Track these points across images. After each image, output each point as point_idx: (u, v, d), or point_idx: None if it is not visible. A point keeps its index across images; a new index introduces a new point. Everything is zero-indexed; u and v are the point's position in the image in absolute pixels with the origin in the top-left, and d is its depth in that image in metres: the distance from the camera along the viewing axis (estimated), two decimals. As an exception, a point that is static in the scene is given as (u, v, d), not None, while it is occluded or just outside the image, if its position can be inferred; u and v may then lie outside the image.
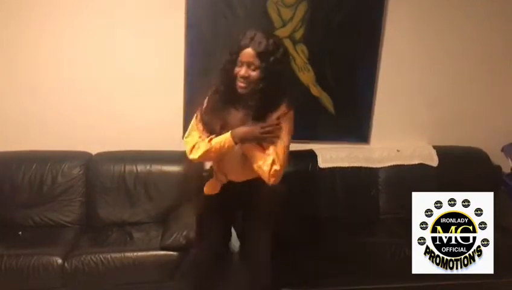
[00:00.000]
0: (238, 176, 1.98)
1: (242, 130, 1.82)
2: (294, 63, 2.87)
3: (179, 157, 2.79)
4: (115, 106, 2.82)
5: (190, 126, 1.95)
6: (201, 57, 2.78)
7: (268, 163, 1.82)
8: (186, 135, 1.96)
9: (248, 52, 1.76)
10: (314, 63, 2.89)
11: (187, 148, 1.91)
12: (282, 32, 2.81)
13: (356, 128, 3.06)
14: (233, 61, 1.80)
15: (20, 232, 2.55)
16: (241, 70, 1.78)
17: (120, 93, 2.82)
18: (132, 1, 2.72)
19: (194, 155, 1.88)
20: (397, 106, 3.05)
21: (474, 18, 2.98)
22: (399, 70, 2.99)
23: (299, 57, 2.87)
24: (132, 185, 2.72)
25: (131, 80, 2.81)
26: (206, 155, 1.86)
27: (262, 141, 1.84)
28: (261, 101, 1.82)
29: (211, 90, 1.94)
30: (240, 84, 1.80)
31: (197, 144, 1.87)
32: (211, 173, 2.08)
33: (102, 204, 2.69)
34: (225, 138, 1.83)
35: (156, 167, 2.74)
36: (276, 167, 1.82)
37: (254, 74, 1.77)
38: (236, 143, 1.83)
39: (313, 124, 3.00)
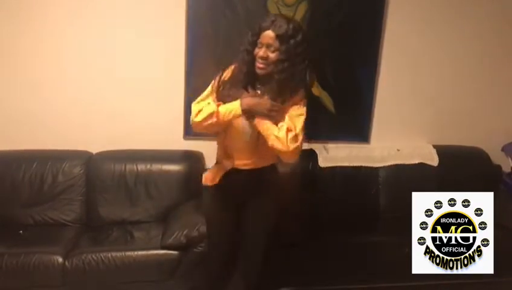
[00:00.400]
0: (246, 160, 1.93)
1: (251, 100, 1.81)
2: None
3: (180, 156, 2.81)
4: (115, 105, 2.82)
5: (203, 94, 1.93)
6: (202, 57, 2.78)
7: (283, 132, 1.80)
8: (196, 101, 1.92)
9: (268, 34, 1.78)
10: (314, 62, 2.89)
11: (193, 113, 1.88)
12: (282, 32, 2.81)
13: (356, 128, 3.07)
14: (254, 43, 1.82)
15: (21, 231, 2.55)
16: (260, 52, 1.79)
17: (120, 92, 2.82)
18: (133, 1, 2.71)
19: (198, 118, 1.85)
20: (397, 105, 3.05)
21: (474, 18, 2.98)
22: (399, 70, 2.99)
23: (300, 56, 2.87)
24: (133, 184, 2.72)
25: (132, 79, 2.81)
26: (209, 119, 1.82)
27: (268, 118, 1.82)
28: (279, 84, 1.82)
29: (231, 67, 1.93)
30: (259, 65, 1.81)
31: (203, 108, 1.85)
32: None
33: (103, 203, 2.70)
34: (233, 106, 1.82)
35: (156, 166, 2.74)
36: (292, 133, 1.81)
37: (273, 55, 1.78)
38: (243, 112, 1.80)
39: (313, 124, 2.98)
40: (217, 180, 1.98)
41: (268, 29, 1.78)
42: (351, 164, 2.91)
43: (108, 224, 2.66)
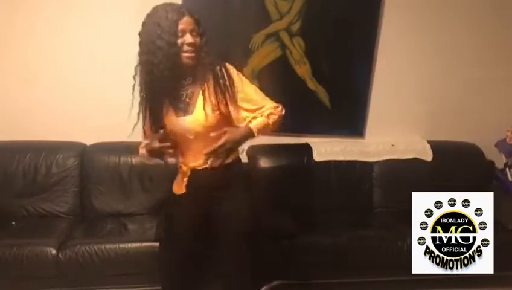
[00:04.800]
0: (199, 160, 1.78)
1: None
2: (290, 56, 2.87)
3: (174, 149, 2.80)
4: (110, 96, 2.79)
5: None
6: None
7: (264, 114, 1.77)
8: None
9: (187, 20, 1.67)
10: (310, 56, 2.89)
11: None
12: (279, 25, 2.80)
13: (351, 122, 3.07)
14: (174, 33, 1.67)
15: (14, 223, 2.55)
16: (188, 38, 1.67)
17: (115, 84, 2.78)
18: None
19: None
20: (393, 100, 3.05)
21: (469, 15, 2.98)
22: (395, 65, 2.99)
23: (296, 50, 2.86)
24: (127, 177, 2.71)
25: (127, 70, 2.77)
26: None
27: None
28: (210, 67, 1.75)
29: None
30: (187, 54, 1.69)
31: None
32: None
33: (97, 195, 2.69)
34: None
35: (151, 159, 2.74)
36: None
37: (198, 39, 1.71)
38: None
39: (308, 118, 3.01)
40: (183, 188, 1.86)
41: (184, 15, 1.67)
42: (346, 159, 2.92)
43: (102, 216, 2.65)
